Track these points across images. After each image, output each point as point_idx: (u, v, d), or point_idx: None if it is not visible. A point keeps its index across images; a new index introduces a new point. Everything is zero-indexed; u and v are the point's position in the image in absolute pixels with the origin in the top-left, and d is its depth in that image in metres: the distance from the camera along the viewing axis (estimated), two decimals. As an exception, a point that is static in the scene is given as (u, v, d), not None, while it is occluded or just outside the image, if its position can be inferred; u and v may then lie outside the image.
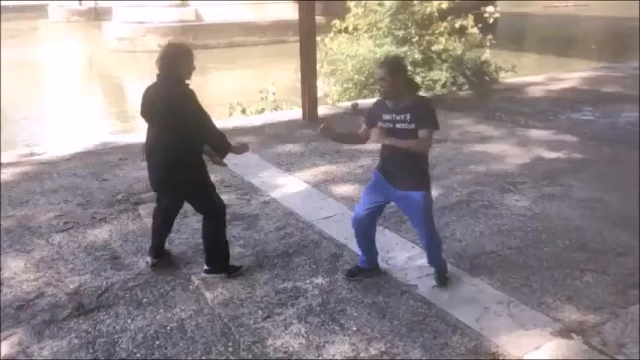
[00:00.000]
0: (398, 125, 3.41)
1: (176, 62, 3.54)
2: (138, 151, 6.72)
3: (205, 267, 3.93)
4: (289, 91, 10.23)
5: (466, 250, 4.27)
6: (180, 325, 3.41)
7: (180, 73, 3.55)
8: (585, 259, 4.10)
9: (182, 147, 3.54)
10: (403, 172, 3.50)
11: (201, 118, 3.56)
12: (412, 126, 3.37)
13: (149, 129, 3.71)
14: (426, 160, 3.57)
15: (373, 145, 6.76)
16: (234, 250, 4.28)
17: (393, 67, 3.42)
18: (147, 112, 3.66)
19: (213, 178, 5.69)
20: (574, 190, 5.40)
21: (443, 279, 3.80)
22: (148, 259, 4.08)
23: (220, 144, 3.73)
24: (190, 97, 3.52)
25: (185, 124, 3.50)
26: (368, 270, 3.90)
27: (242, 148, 3.87)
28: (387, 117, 3.46)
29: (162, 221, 4.04)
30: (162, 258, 4.09)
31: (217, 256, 3.90)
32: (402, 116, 3.39)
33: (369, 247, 3.86)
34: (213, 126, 3.66)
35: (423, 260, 4.09)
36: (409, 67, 10.25)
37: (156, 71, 3.59)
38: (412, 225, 3.82)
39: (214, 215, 3.83)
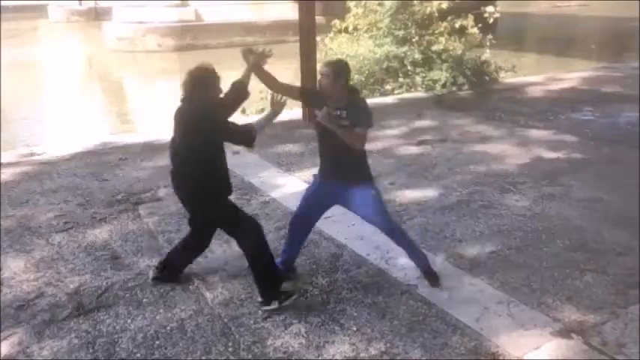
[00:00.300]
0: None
1: (204, 86, 3.42)
2: (138, 151, 6.73)
3: (259, 299, 3.59)
4: (289, 91, 10.21)
5: (466, 250, 4.26)
6: (180, 325, 3.41)
7: (208, 97, 3.43)
8: (585, 259, 4.10)
9: (211, 173, 3.46)
10: (345, 169, 3.57)
11: (230, 132, 3.49)
12: (346, 122, 3.48)
13: (176, 154, 3.54)
14: (364, 156, 3.64)
15: (372, 146, 6.80)
16: (234, 250, 4.28)
17: (337, 68, 3.56)
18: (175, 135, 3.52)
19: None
20: (574, 190, 5.40)
21: (431, 275, 3.78)
22: (152, 272, 3.85)
23: (246, 137, 3.60)
24: (218, 119, 3.43)
25: (215, 145, 3.44)
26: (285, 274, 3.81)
27: (279, 106, 3.72)
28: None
29: (193, 244, 3.81)
30: (173, 279, 3.85)
31: (266, 284, 3.56)
32: (339, 112, 3.51)
33: (293, 246, 3.92)
34: (241, 133, 3.58)
35: (423, 260, 4.11)
36: (409, 67, 10.31)
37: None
38: (367, 220, 3.77)
39: (246, 239, 3.54)
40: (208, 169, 3.45)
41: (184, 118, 3.44)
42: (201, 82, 3.42)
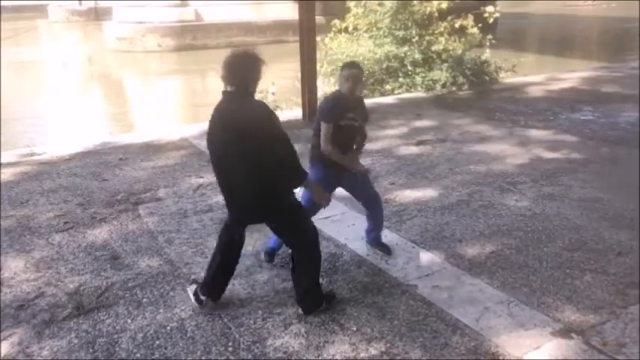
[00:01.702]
0: (353, 123, 3.77)
1: (246, 74, 3.05)
2: (138, 151, 6.73)
3: (299, 309, 3.48)
4: (289, 91, 10.22)
5: (466, 250, 4.27)
6: (180, 325, 3.41)
7: (251, 88, 3.08)
8: (585, 259, 4.10)
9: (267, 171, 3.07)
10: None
11: (279, 140, 3.05)
12: (357, 123, 3.78)
13: (223, 157, 3.16)
14: None
15: (373, 145, 6.80)
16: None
17: (361, 68, 3.79)
18: (218, 138, 3.14)
19: (212, 178, 5.72)
20: (574, 190, 5.40)
21: (384, 245, 4.19)
22: (202, 298, 3.51)
23: (292, 174, 3.16)
24: (269, 117, 3.04)
25: (263, 146, 3.01)
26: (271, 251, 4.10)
27: (320, 197, 3.33)
28: (350, 115, 3.73)
29: (228, 254, 3.50)
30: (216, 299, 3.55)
31: (309, 293, 3.45)
32: (352, 114, 3.74)
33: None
34: (289, 154, 3.11)
35: (423, 260, 4.11)
36: (409, 67, 10.32)
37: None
38: (361, 197, 4.12)
39: (303, 247, 3.38)
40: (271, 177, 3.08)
41: (237, 121, 3.00)
42: (243, 69, 3.02)
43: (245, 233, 3.55)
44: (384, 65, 10.53)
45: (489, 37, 11.17)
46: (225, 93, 3.12)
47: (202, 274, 3.92)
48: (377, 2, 10.96)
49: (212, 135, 3.20)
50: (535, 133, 7.33)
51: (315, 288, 3.48)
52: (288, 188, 3.24)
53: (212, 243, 4.38)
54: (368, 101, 9.36)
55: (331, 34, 11.40)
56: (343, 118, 3.69)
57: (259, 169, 3.04)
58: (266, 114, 3.03)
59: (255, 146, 2.99)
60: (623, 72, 11.80)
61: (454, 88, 9.99)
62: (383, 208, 4.24)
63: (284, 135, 3.09)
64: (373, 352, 3.14)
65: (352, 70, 3.73)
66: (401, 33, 10.69)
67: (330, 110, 3.68)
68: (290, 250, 3.54)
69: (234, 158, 3.08)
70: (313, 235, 3.40)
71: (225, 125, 3.09)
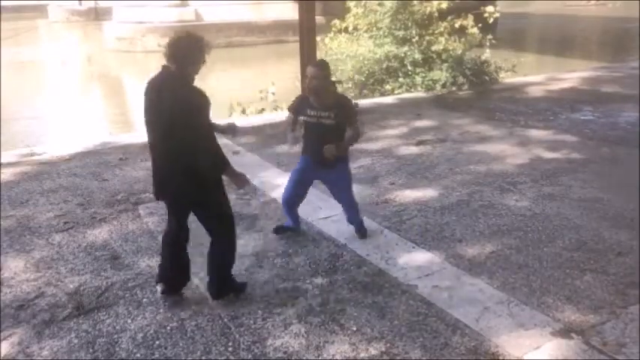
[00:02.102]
0: (322, 120, 3.94)
1: (187, 56, 3.13)
2: (138, 151, 6.73)
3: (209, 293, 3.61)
4: (289, 91, 10.21)
5: (466, 250, 4.27)
6: (180, 325, 3.41)
7: (189, 70, 3.17)
8: (585, 259, 4.10)
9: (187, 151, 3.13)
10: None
11: (201, 135, 3.12)
12: (332, 122, 3.93)
13: (150, 129, 3.30)
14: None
15: (373, 146, 6.81)
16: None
17: (325, 67, 3.91)
18: (148, 111, 3.26)
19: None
20: (574, 190, 5.40)
21: (363, 230, 4.44)
22: (158, 287, 3.67)
23: (212, 165, 3.23)
24: (198, 105, 3.11)
25: (187, 132, 3.09)
26: (292, 229, 4.51)
27: (241, 182, 3.39)
28: (311, 112, 3.97)
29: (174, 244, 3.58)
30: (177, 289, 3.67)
31: (220, 279, 3.59)
32: (327, 113, 3.92)
33: (295, 214, 4.47)
34: (211, 146, 3.19)
35: (423, 260, 4.11)
36: (409, 67, 10.32)
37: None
38: (334, 194, 4.39)
39: (223, 236, 3.50)
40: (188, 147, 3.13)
41: (163, 94, 3.12)
42: (185, 51, 3.12)
43: (187, 224, 3.58)
44: (384, 65, 10.53)
45: (489, 37, 11.17)
46: (164, 67, 3.19)
47: (201, 274, 3.92)
48: (377, 2, 10.96)
49: (147, 108, 3.26)
50: (535, 133, 7.33)
51: (227, 276, 3.63)
52: (209, 176, 3.29)
53: (212, 243, 4.39)
54: (368, 101, 9.45)
55: (331, 34, 11.40)
56: (302, 114, 4.03)
57: (181, 152, 3.13)
58: (199, 102, 3.12)
59: (180, 130, 3.08)
60: (623, 72, 11.80)
61: (454, 88, 9.99)
62: (357, 214, 4.43)
63: (208, 126, 3.23)
64: (373, 352, 3.14)
65: (310, 68, 3.95)
66: (401, 33, 10.69)
67: (293, 102, 4.20)
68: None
69: (161, 135, 3.20)
70: (233, 226, 3.57)
71: (159, 101, 3.16)
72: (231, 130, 3.67)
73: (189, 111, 3.09)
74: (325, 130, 3.96)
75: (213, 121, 3.40)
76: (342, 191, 4.30)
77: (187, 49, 3.15)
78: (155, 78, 3.24)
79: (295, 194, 4.32)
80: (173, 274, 3.63)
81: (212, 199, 3.39)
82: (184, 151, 3.13)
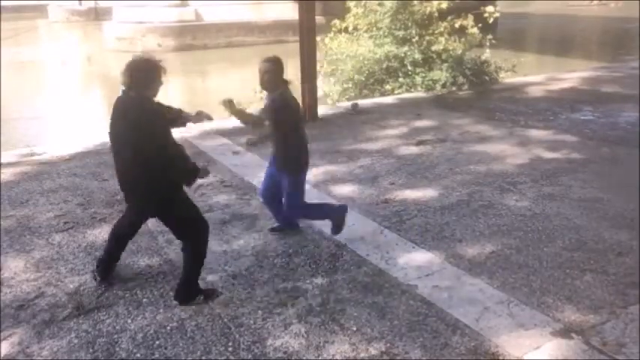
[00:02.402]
0: (268, 114, 4.03)
1: (144, 78, 3.33)
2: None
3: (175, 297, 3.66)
4: (289, 91, 10.22)
5: (466, 250, 4.27)
6: (180, 325, 3.41)
7: (147, 90, 3.35)
8: (585, 259, 4.10)
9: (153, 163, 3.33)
10: (278, 156, 4.15)
11: (162, 146, 3.32)
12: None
13: (112, 144, 3.53)
14: (290, 146, 4.08)
15: (373, 146, 6.81)
16: (235, 250, 4.29)
17: (276, 63, 3.96)
18: (112, 129, 3.48)
19: (212, 177, 5.72)
20: (574, 190, 5.40)
21: (339, 224, 4.36)
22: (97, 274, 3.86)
23: (183, 173, 3.45)
24: (155, 120, 3.33)
25: (149, 147, 3.30)
26: (282, 228, 4.53)
27: (204, 172, 3.58)
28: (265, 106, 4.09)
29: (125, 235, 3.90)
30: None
31: (185, 283, 3.66)
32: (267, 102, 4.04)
33: (278, 210, 4.39)
34: (175, 154, 3.41)
35: (423, 260, 4.11)
36: (409, 67, 10.32)
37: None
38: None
39: (192, 243, 3.61)
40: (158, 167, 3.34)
41: (126, 114, 3.35)
42: (142, 73, 3.33)
43: (139, 225, 3.91)
44: (384, 65, 10.53)
45: (489, 37, 11.16)
46: (124, 92, 3.38)
47: (202, 274, 3.92)
48: (377, 2, 10.96)
49: (112, 129, 3.48)
50: (535, 133, 7.33)
51: (194, 282, 3.66)
52: (179, 184, 3.50)
53: (212, 243, 4.38)
54: (368, 101, 9.44)
55: (331, 34, 11.40)
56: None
57: (146, 166, 3.32)
58: (154, 123, 3.31)
59: (142, 146, 3.29)
60: (623, 72, 11.80)
61: (454, 88, 9.99)
62: (291, 216, 4.44)
63: (165, 141, 3.35)
64: (373, 352, 3.14)
65: (262, 62, 3.98)
66: (401, 33, 10.69)
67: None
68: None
69: (127, 152, 3.40)
70: (199, 231, 3.59)
71: (119, 123, 3.40)
72: (199, 118, 3.85)
73: (145, 132, 3.28)
74: (271, 124, 4.03)
75: (185, 113, 3.75)
76: (286, 197, 4.20)
77: (142, 73, 3.33)
78: (117, 100, 3.43)
79: (265, 187, 4.36)
80: (111, 261, 3.90)
81: (174, 208, 3.52)
82: (146, 166, 3.33)
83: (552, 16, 34.19)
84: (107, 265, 3.89)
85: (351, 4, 11.48)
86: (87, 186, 5.70)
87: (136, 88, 3.32)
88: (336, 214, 4.39)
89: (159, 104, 3.47)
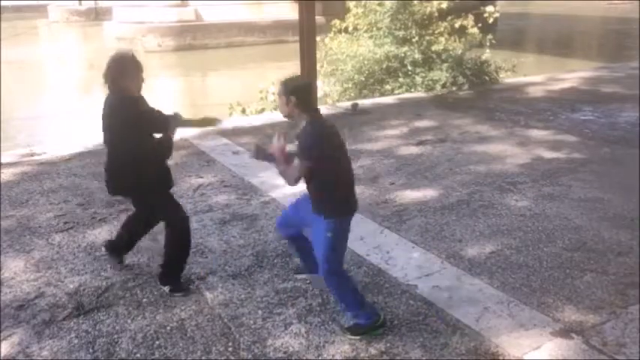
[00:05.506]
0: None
1: (123, 76, 3.42)
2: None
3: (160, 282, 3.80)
4: (289, 91, 10.21)
5: (466, 250, 4.27)
6: (180, 325, 3.41)
7: (127, 88, 3.44)
8: (585, 259, 4.10)
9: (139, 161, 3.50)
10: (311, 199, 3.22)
11: (148, 137, 3.52)
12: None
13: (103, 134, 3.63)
14: (324, 189, 3.14)
15: (373, 146, 6.81)
16: (235, 250, 4.29)
17: (286, 87, 3.11)
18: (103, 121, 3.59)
19: (212, 178, 5.72)
20: (574, 190, 5.40)
21: (354, 329, 3.27)
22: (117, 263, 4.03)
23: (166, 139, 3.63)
24: (138, 119, 3.43)
25: (126, 141, 3.48)
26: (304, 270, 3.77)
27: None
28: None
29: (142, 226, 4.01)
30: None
31: (169, 270, 3.77)
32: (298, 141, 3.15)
33: (302, 250, 3.63)
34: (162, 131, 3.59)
35: (423, 260, 4.11)
36: (409, 67, 10.31)
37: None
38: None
39: (171, 228, 3.71)
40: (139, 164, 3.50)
41: (106, 112, 3.51)
42: (119, 72, 3.42)
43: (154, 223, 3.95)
44: (384, 65, 10.53)
45: (489, 37, 11.17)
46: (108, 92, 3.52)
47: (202, 274, 3.93)
48: (377, 2, 10.97)
49: (103, 124, 3.59)
50: (535, 133, 7.33)
51: (175, 271, 3.75)
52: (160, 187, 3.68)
53: (212, 243, 4.40)
54: (368, 101, 9.45)
55: (331, 34, 11.40)
56: None
57: (121, 155, 3.51)
58: (134, 118, 3.41)
59: (120, 140, 3.48)
60: (623, 72, 11.80)
61: (454, 88, 9.99)
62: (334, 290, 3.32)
63: (142, 139, 3.49)
64: (373, 352, 3.14)
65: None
66: (401, 33, 10.69)
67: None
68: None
69: (108, 143, 3.59)
70: (182, 222, 3.69)
71: (105, 120, 3.54)
72: (173, 122, 3.69)
73: (125, 126, 3.42)
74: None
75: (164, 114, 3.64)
76: (316, 245, 3.24)
77: (118, 71, 3.43)
78: (106, 97, 3.55)
79: (289, 219, 3.54)
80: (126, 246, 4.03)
81: (151, 200, 3.68)
82: (125, 156, 3.50)
83: (552, 16, 34.19)
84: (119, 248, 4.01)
85: (351, 4, 11.48)
86: (87, 186, 5.70)
87: (114, 87, 3.44)
88: (367, 318, 3.27)
89: (140, 104, 3.48)
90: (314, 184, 3.15)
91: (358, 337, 3.23)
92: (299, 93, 3.09)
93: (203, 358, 3.13)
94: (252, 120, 8.62)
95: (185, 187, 5.58)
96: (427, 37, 10.81)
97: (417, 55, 10.38)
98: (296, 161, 3.15)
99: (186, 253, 3.78)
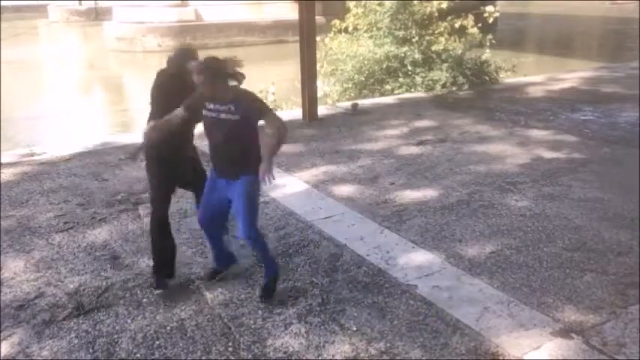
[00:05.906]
0: (222, 115, 3.38)
1: (180, 63, 3.62)
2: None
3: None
4: (289, 91, 10.23)
5: (466, 250, 4.27)
6: (180, 325, 3.41)
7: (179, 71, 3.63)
8: (585, 259, 4.10)
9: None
10: (234, 162, 3.47)
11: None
12: (237, 117, 3.35)
13: None
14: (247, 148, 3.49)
15: (373, 146, 6.80)
16: (234, 250, 4.28)
17: (208, 66, 3.30)
18: None
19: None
20: (574, 190, 5.40)
21: (266, 290, 3.64)
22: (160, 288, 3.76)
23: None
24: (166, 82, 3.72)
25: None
26: (221, 271, 3.87)
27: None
28: (210, 106, 3.40)
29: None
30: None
31: (155, 260, 3.77)
32: (229, 107, 3.35)
33: (217, 247, 3.82)
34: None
35: (423, 260, 4.11)
36: (409, 67, 10.30)
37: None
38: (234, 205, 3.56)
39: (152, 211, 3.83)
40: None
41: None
42: (179, 60, 3.65)
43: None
44: (384, 65, 10.53)
45: (489, 37, 11.17)
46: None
47: (202, 274, 3.93)
48: (377, 2, 10.97)
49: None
50: (535, 133, 7.33)
51: (154, 266, 3.79)
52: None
53: (212, 243, 4.38)
54: (368, 101, 9.44)
55: (331, 34, 11.40)
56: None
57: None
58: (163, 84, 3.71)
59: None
60: (623, 72, 11.80)
61: (454, 88, 9.99)
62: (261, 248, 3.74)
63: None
64: (373, 352, 3.14)
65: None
66: (401, 33, 10.69)
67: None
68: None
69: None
70: (155, 217, 3.77)
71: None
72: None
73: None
74: (225, 127, 3.41)
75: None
76: (240, 210, 3.47)
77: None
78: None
79: (204, 217, 3.67)
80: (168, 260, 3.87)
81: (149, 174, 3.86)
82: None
83: (552, 16, 34.19)
84: (168, 264, 3.82)
85: (351, 4, 11.48)
86: (87, 186, 5.70)
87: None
88: (273, 269, 3.70)
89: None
90: (242, 140, 3.44)
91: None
92: (216, 70, 3.31)
93: (203, 358, 3.13)
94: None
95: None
96: (427, 37, 10.81)
97: (417, 55, 10.38)
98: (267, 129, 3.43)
99: (158, 248, 3.75)
